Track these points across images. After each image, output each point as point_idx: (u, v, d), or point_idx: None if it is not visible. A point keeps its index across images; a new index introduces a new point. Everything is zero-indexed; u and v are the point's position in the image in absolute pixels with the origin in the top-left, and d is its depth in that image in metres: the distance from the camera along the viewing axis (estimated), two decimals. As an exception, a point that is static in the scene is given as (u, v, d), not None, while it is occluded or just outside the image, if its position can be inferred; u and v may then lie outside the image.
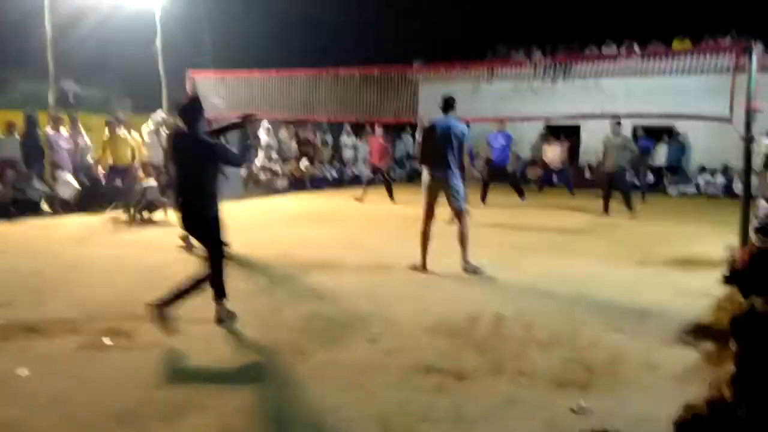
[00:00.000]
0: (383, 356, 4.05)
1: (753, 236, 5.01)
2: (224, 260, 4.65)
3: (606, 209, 11.12)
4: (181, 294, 4.37)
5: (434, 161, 6.23)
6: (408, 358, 4.02)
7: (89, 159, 11.27)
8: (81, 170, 11.14)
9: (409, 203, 12.42)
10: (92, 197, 10.74)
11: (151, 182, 9.79)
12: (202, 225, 4.61)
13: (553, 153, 15.68)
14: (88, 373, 3.70)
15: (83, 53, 13.68)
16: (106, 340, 4.24)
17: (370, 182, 12.91)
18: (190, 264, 6.55)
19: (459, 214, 6.30)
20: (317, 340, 4.32)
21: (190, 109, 4.63)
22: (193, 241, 5.49)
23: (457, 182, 6.25)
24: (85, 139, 11.27)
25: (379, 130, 12.72)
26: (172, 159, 4.91)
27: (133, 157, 11.32)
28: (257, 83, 10.99)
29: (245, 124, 5.06)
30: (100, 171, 11.33)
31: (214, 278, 4.55)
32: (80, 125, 11.51)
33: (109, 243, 7.72)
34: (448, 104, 6.37)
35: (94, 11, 12.42)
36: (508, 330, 4.61)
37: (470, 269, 6.22)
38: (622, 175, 11.08)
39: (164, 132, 10.50)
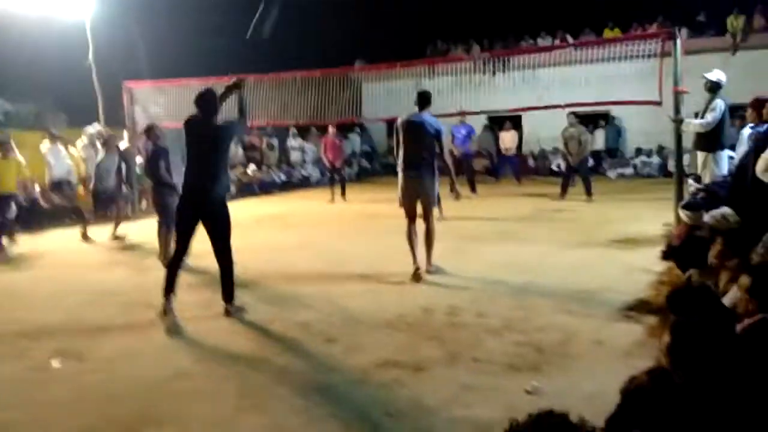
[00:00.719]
0: (342, 355, 4.08)
1: (681, 213, 5.28)
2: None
3: (563, 193, 11.53)
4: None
5: (408, 160, 5.99)
6: (366, 355, 4.06)
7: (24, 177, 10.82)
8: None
9: (362, 201, 12.50)
10: (31, 217, 10.33)
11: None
12: (222, 211, 4.90)
13: (510, 139, 16.15)
14: (38, 397, 3.59)
15: (12, 69, 13.15)
16: (55, 363, 4.12)
17: (333, 181, 12.93)
18: (134, 279, 6.44)
19: (427, 214, 6.09)
20: (276, 345, 4.31)
21: (209, 99, 4.98)
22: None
23: (431, 182, 6.02)
24: (18, 157, 10.82)
25: (332, 130, 12.75)
26: (190, 144, 4.99)
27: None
28: (196, 90, 10.81)
29: (240, 86, 5.32)
30: (37, 189, 10.91)
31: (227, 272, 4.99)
32: (12, 143, 11.03)
33: (51, 264, 7.46)
34: (423, 99, 6.06)
35: (22, 26, 11.96)
36: (462, 319, 4.72)
37: (433, 272, 6.08)
38: (585, 161, 11.60)
39: (99, 145, 10.21)
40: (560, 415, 1.24)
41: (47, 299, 5.79)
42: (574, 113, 11.37)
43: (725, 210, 4.45)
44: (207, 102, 4.97)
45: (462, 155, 12.93)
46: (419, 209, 6.10)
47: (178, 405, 3.44)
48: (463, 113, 12.18)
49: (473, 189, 12.74)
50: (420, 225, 6.13)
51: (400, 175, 6.09)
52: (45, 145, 11.49)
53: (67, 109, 15.01)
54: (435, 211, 6.40)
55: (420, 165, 5.94)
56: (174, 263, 4.97)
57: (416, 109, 6.03)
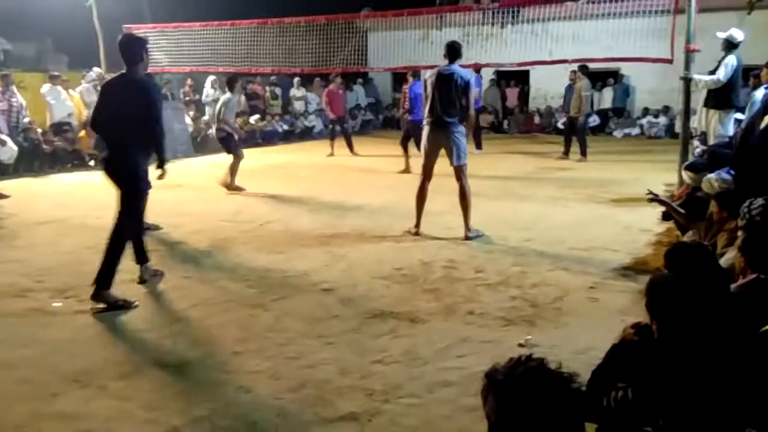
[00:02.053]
0: (339, 305, 4.13)
1: (684, 174, 5.24)
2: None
3: (566, 152, 11.41)
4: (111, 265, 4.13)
5: (436, 113, 5.68)
6: (363, 305, 4.11)
7: (25, 119, 10.76)
8: (17, 131, 10.64)
9: (364, 155, 12.42)
10: (33, 159, 10.32)
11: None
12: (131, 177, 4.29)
13: (513, 96, 15.92)
14: (39, 336, 3.66)
15: (12, 7, 12.89)
16: (55, 303, 4.18)
17: (334, 134, 12.75)
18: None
19: (459, 171, 5.78)
20: (274, 293, 4.36)
21: (129, 46, 4.27)
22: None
23: (460, 136, 5.71)
24: (19, 98, 10.73)
25: (337, 80, 12.48)
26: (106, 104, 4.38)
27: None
28: (198, 35, 10.62)
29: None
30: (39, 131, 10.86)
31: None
32: (13, 84, 10.93)
33: (53, 205, 7.48)
34: (453, 51, 5.72)
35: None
36: (459, 274, 4.75)
37: (472, 236, 5.74)
38: (584, 119, 11.41)
39: (218, 87, 9.94)
40: (537, 359, 1.26)
41: (49, 242, 5.84)
42: (580, 67, 11.09)
43: (722, 174, 4.43)
44: (123, 51, 4.27)
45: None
46: (446, 168, 5.86)
47: (176, 349, 3.50)
48: (477, 66, 11.89)
49: (479, 145, 12.62)
50: (446, 187, 5.98)
51: (426, 128, 5.83)
52: (45, 87, 11.38)
53: (68, 51, 14.80)
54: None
55: (448, 118, 5.65)
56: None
57: (446, 61, 5.73)
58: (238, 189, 8.34)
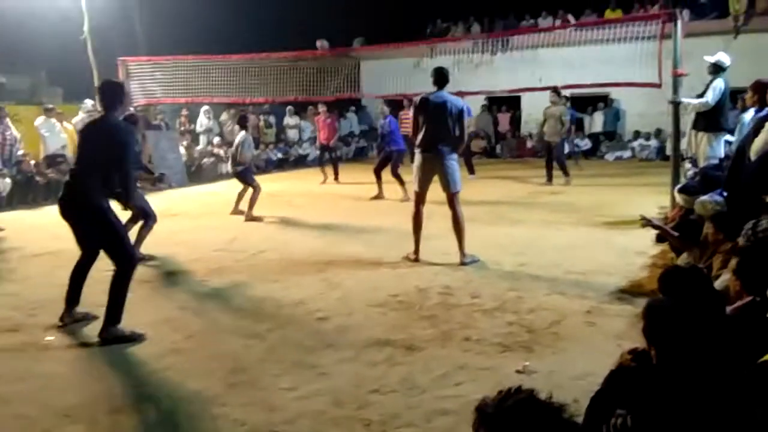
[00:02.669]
0: (334, 334, 4.10)
1: (677, 196, 5.28)
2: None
3: (549, 178, 11.43)
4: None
5: (427, 140, 5.63)
6: (359, 333, 4.08)
7: (19, 152, 10.78)
8: (11, 164, 10.64)
9: (358, 182, 12.46)
10: (27, 191, 10.31)
11: None
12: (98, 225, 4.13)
13: (505, 121, 16.08)
14: (32, 371, 3.61)
15: (6, 40, 13.00)
16: (48, 337, 4.14)
17: (324, 162, 12.84)
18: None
19: (452, 199, 5.76)
20: (268, 322, 4.33)
21: (106, 92, 4.29)
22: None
23: (454, 163, 5.70)
24: (13, 131, 10.76)
25: (322, 108, 12.61)
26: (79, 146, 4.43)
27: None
28: (193, 67, 10.72)
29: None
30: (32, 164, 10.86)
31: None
32: (7, 117, 10.97)
33: (47, 237, 7.45)
34: (440, 77, 5.70)
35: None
36: (455, 300, 4.73)
37: (468, 262, 5.71)
38: (558, 144, 11.44)
39: (235, 125, 10.27)
40: (527, 390, 1.25)
41: (43, 274, 5.79)
42: (556, 91, 11.18)
43: (714, 197, 4.46)
44: (103, 94, 4.31)
45: None
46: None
47: (170, 381, 3.46)
48: (461, 94, 12.07)
49: (471, 170, 12.68)
50: (439, 212, 6.01)
51: (417, 156, 5.79)
52: (39, 120, 11.42)
53: (62, 84, 14.88)
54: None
55: (440, 146, 5.60)
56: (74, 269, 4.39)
57: (434, 88, 5.71)
58: (257, 219, 8.47)
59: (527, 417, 1.19)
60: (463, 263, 5.71)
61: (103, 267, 4.25)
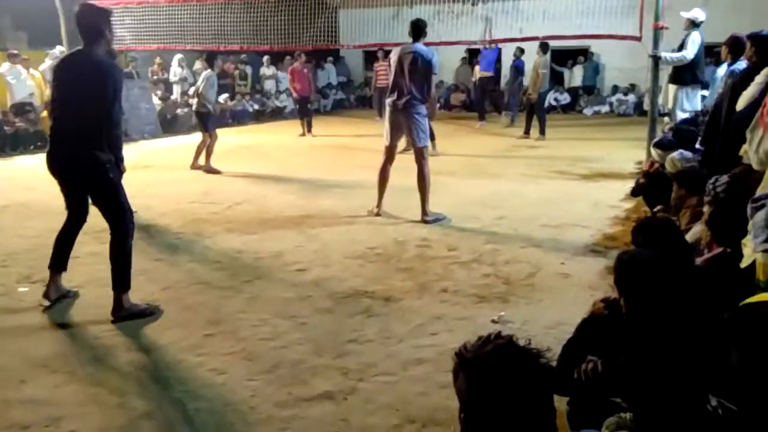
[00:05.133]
0: (312, 285, 4.12)
1: (652, 151, 5.33)
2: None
3: (527, 131, 11.45)
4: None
5: (397, 91, 5.60)
6: (337, 285, 4.11)
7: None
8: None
9: (335, 135, 12.33)
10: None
11: None
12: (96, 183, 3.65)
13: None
14: (6, 322, 3.58)
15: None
16: (21, 288, 4.09)
17: (303, 114, 12.59)
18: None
19: (419, 153, 5.66)
20: (246, 274, 4.32)
21: (87, 19, 3.58)
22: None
23: (421, 117, 5.61)
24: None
25: (300, 58, 12.32)
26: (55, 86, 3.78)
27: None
28: (164, 12, 10.33)
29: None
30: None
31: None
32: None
33: (16, 188, 7.28)
34: (416, 29, 5.62)
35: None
36: (433, 252, 4.77)
37: (430, 220, 5.61)
38: (541, 97, 11.44)
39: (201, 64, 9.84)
40: (506, 336, 1.27)
41: (13, 225, 5.68)
42: (541, 45, 11.15)
43: (684, 153, 4.51)
44: (80, 24, 3.58)
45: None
46: (403, 147, 5.84)
47: (146, 332, 3.46)
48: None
49: (481, 116, 13.26)
50: (398, 168, 5.98)
51: (388, 109, 5.78)
52: (4, 66, 11.00)
53: (27, 29, 14.25)
54: (429, 147, 6.08)
55: (409, 98, 5.56)
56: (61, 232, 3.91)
57: (409, 39, 5.64)
58: (215, 171, 8.24)
59: (506, 361, 1.21)
60: (424, 221, 5.60)
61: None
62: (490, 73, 14.13)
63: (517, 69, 13.22)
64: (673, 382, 1.69)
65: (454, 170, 8.27)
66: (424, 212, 5.68)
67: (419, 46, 5.62)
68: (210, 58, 9.06)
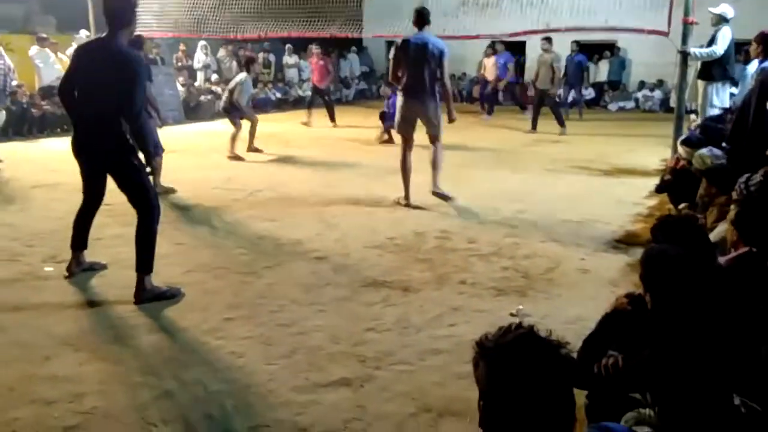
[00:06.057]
0: (332, 273, 4.14)
1: (679, 148, 5.24)
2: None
3: (534, 126, 11.35)
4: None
5: (409, 84, 5.62)
6: (356, 273, 4.12)
7: (14, 82, 10.57)
8: (5, 95, 10.45)
9: (356, 125, 12.32)
10: (22, 123, 10.17)
11: None
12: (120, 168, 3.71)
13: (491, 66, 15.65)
14: (31, 300, 3.65)
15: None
16: (47, 268, 4.17)
17: (312, 104, 12.57)
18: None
19: (434, 141, 5.81)
20: (266, 260, 4.36)
21: (114, 4, 3.58)
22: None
23: (435, 107, 5.68)
24: (7, 60, 10.52)
25: (316, 50, 12.30)
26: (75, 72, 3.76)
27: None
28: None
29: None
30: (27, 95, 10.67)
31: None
32: (1, 46, 10.70)
33: (43, 170, 7.40)
34: (420, 18, 5.62)
35: None
36: (452, 244, 4.76)
37: (439, 194, 5.84)
38: (553, 92, 11.36)
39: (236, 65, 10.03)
40: (527, 327, 1.28)
41: (40, 206, 5.79)
42: (547, 39, 11.04)
43: (714, 150, 4.42)
44: (110, 9, 3.58)
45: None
46: (426, 134, 5.86)
47: (169, 313, 3.51)
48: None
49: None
50: (420, 150, 6.00)
51: (400, 99, 5.81)
52: (33, 49, 11.15)
53: (56, 13, 14.45)
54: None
55: (423, 89, 5.59)
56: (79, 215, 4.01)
57: (415, 29, 5.66)
58: (237, 158, 8.40)
59: (526, 351, 1.21)
60: (434, 192, 5.83)
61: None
62: (501, 77, 14.22)
63: (580, 64, 13.32)
64: (699, 378, 1.67)
65: (475, 162, 8.24)
66: (435, 185, 5.87)
67: (430, 36, 5.63)
68: (249, 61, 9.18)
